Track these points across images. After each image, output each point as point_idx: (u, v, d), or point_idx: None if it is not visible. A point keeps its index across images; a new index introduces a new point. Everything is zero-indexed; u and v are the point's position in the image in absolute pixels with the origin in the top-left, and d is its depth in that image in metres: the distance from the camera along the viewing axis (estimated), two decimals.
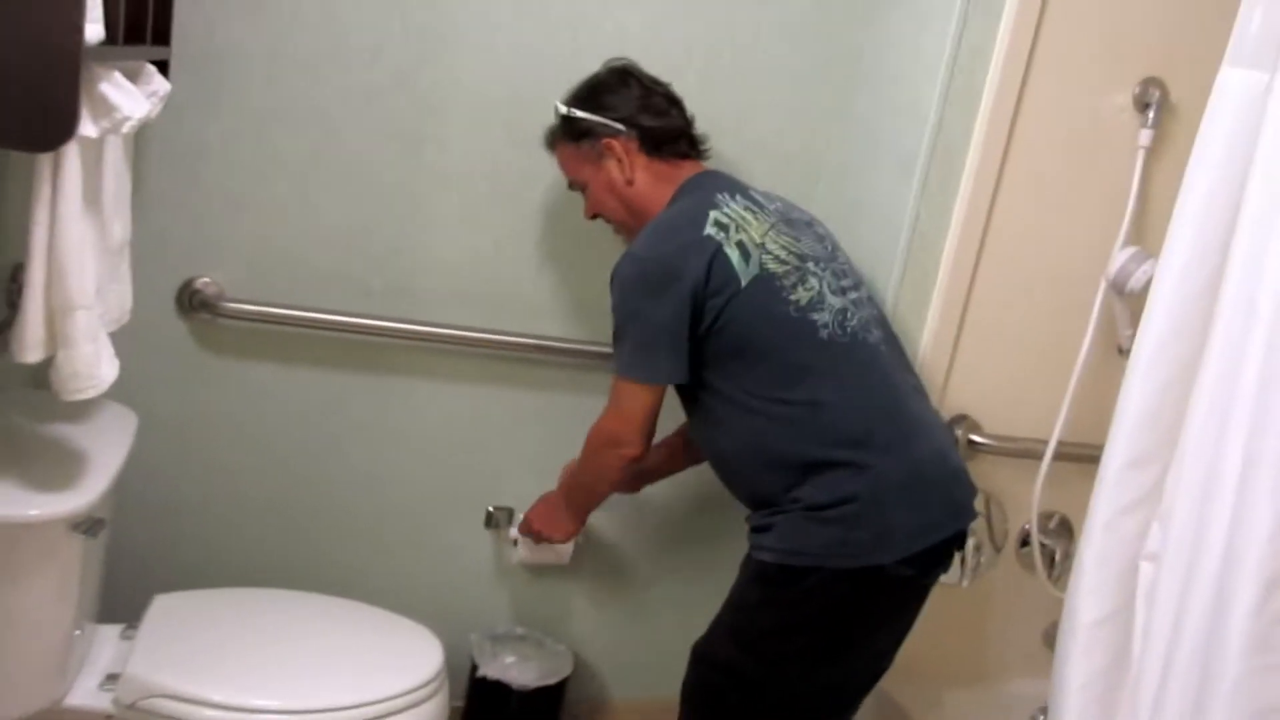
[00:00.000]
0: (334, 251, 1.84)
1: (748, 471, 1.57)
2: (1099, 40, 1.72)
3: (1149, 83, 1.75)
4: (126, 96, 1.18)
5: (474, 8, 1.78)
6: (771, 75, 1.93)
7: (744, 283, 1.49)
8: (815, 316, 1.50)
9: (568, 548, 1.97)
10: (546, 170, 1.86)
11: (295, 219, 1.81)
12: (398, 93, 1.79)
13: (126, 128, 1.18)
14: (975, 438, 1.85)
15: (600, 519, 2.09)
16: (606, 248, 1.90)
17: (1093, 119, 1.76)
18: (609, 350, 1.95)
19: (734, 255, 1.50)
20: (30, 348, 1.22)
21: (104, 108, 1.15)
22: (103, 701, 1.50)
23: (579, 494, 1.77)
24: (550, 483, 1.99)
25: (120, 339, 1.40)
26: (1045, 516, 1.95)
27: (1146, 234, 1.79)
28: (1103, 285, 1.78)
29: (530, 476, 2.03)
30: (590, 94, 1.66)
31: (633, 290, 1.53)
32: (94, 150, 1.27)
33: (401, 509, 2.01)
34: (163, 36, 1.51)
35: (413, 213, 1.85)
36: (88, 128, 1.11)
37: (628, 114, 1.63)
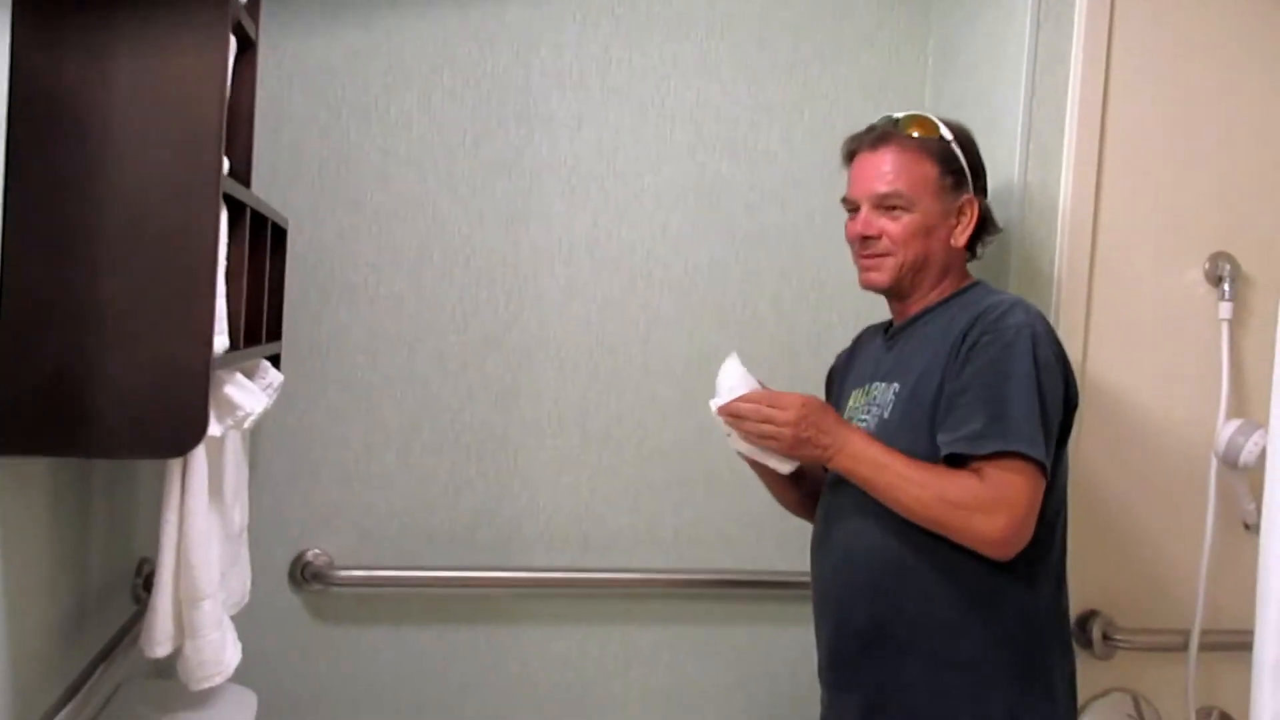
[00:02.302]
0: (438, 510, 1.89)
1: (1015, 635, 1.38)
2: (1160, 222, 1.76)
3: (1218, 257, 1.76)
4: (247, 395, 1.27)
5: (555, 270, 1.91)
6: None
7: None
8: None
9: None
10: (632, 409, 1.93)
11: (400, 484, 1.88)
12: (489, 354, 1.89)
13: (248, 423, 1.27)
14: (1110, 634, 1.75)
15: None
16: (698, 476, 1.92)
17: (1167, 297, 1.77)
18: (716, 577, 1.96)
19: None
20: (160, 642, 1.26)
21: (228, 408, 1.24)
22: None
23: (892, 480, 1.33)
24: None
25: (237, 619, 1.44)
26: (1203, 713, 1.80)
27: (1247, 404, 1.75)
28: (1214, 461, 1.73)
29: (649, 712, 1.97)
30: (971, 141, 1.52)
31: (1038, 352, 1.33)
32: (217, 446, 1.36)
33: None
34: (275, 332, 1.63)
35: (510, 465, 1.91)
36: (214, 428, 1.19)
37: (983, 186, 1.52)
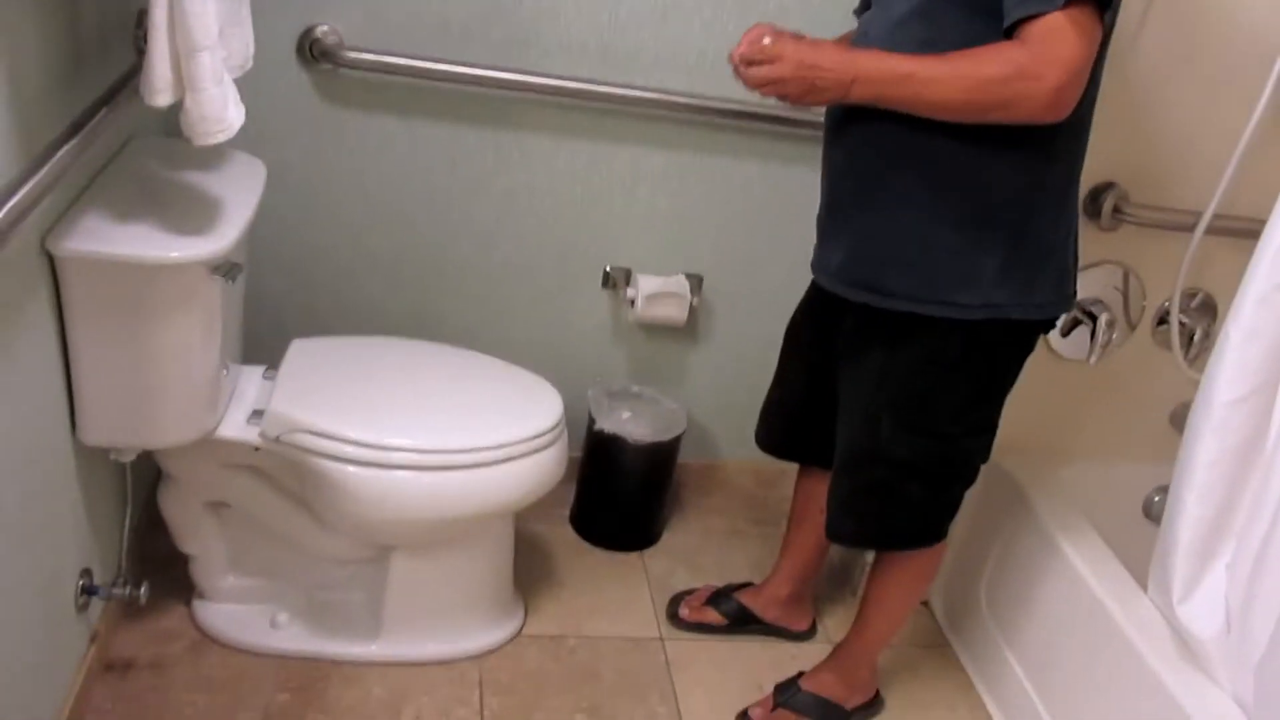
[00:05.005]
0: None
1: (999, 191, 1.34)
2: None
3: None
4: None
5: None
6: None
7: None
8: None
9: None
10: None
11: None
12: None
13: None
14: (1122, 207, 1.73)
15: (714, 281, 2.08)
16: None
17: None
18: (735, 108, 1.90)
19: None
20: (159, 91, 1.23)
21: None
22: (250, 434, 1.61)
23: (919, 90, 1.25)
24: (670, 247, 1.96)
25: (245, 89, 1.40)
26: (1188, 294, 1.85)
27: None
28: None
29: (649, 237, 2.02)
30: None
31: None
32: None
33: (520, 266, 2.04)
34: None
35: None
36: None
37: None
